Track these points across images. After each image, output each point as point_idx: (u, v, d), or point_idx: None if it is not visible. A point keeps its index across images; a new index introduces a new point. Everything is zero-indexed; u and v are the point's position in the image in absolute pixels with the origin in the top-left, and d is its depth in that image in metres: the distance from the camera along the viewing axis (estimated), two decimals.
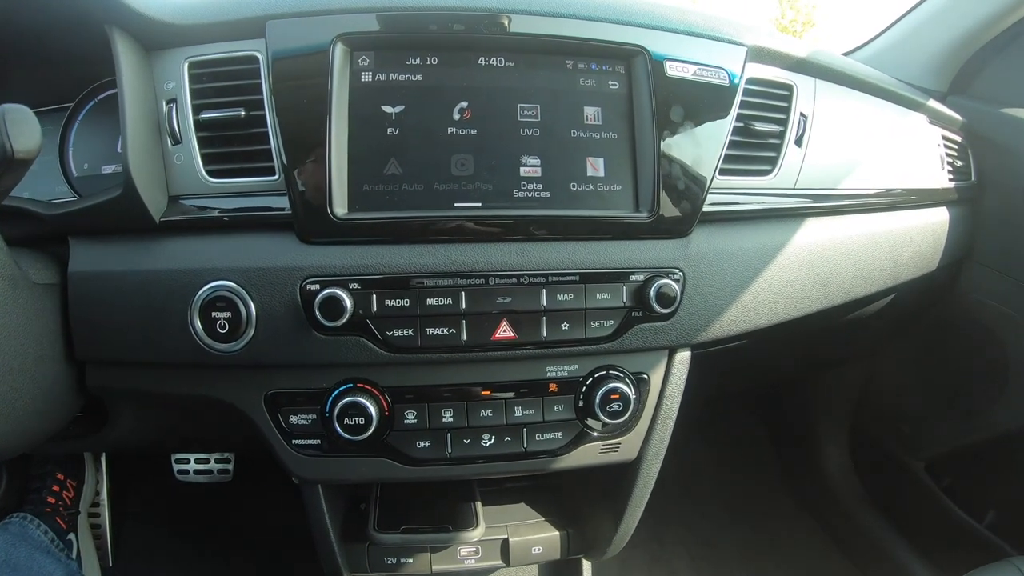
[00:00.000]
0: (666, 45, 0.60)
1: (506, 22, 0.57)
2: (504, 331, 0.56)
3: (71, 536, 0.97)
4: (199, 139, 0.56)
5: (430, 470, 0.59)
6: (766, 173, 0.66)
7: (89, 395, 0.63)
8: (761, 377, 1.07)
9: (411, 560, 0.68)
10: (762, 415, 1.38)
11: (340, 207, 0.55)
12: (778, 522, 1.24)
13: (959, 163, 0.89)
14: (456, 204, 0.56)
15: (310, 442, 0.59)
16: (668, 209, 0.59)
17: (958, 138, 0.90)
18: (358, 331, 0.55)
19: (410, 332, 0.55)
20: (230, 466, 1.04)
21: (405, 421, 0.58)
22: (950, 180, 0.86)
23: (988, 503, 0.97)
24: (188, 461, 1.04)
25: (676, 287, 0.58)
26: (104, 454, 1.03)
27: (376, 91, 0.57)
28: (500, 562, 0.70)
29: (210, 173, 0.56)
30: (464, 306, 0.55)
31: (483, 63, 0.58)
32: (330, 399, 0.57)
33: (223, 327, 0.55)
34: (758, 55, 0.65)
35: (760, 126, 0.65)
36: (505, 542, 0.70)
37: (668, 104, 0.59)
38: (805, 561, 1.16)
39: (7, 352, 0.51)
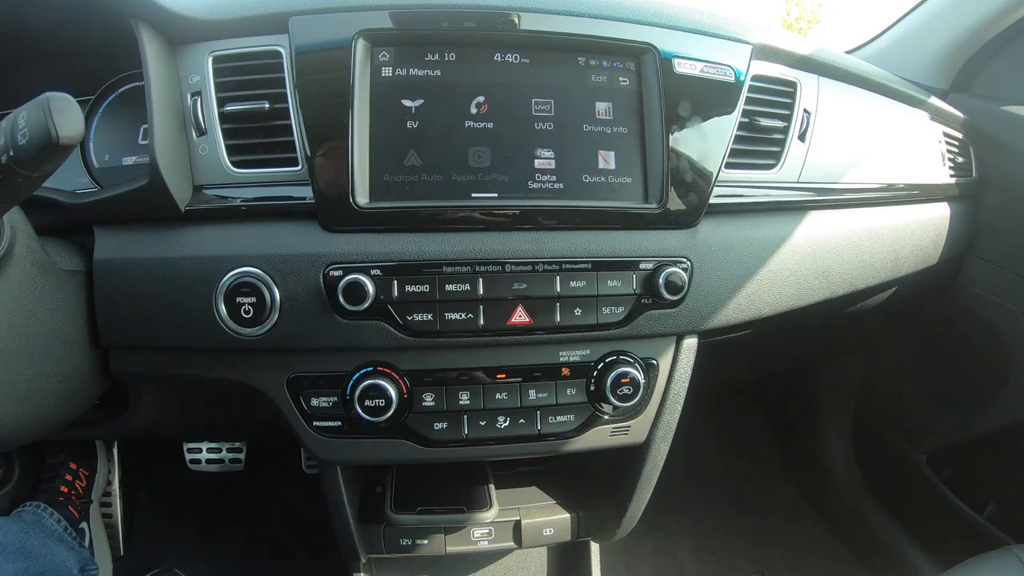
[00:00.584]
0: (675, 43, 0.64)
1: (518, 19, 0.61)
2: (519, 316, 0.60)
3: (83, 525, 1.01)
4: (223, 130, 0.60)
5: (447, 451, 0.63)
6: (770, 167, 0.69)
7: (111, 381, 0.67)
8: (765, 368, 1.11)
9: (426, 541, 0.72)
10: (765, 408, 1.42)
11: (362, 196, 0.58)
12: (781, 513, 1.28)
13: (960, 159, 0.93)
14: (473, 194, 0.60)
15: (331, 424, 0.62)
16: (676, 201, 0.63)
17: (959, 135, 0.94)
18: (379, 316, 0.59)
19: (429, 317, 0.59)
20: (242, 456, 1.08)
21: (423, 403, 0.62)
22: (951, 176, 0.90)
23: (989, 495, 1.01)
24: (200, 451, 1.08)
25: (684, 275, 0.62)
26: (116, 445, 1.06)
27: (396, 85, 0.60)
28: (512, 543, 0.74)
29: (234, 163, 0.60)
30: (481, 292, 0.59)
31: (499, 59, 0.62)
32: (351, 382, 0.61)
33: (247, 312, 0.59)
34: (763, 53, 0.69)
35: (765, 121, 0.68)
36: (517, 524, 0.74)
37: (676, 100, 0.63)
38: (807, 551, 1.20)
39: (35, 336, 0.54)
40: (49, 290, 0.55)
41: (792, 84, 0.71)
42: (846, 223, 0.75)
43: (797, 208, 0.71)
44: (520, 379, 0.63)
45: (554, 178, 0.61)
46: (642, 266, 0.62)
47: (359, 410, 0.59)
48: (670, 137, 0.63)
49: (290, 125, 0.59)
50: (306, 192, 0.59)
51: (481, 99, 0.61)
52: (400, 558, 0.83)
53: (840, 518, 1.23)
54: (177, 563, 0.98)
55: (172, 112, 0.59)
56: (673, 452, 0.71)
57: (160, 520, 1.09)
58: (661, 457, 0.71)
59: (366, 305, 0.57)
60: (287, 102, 0.59)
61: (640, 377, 0.63)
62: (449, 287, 0.59)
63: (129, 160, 0.67)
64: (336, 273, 0.58)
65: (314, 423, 0.62)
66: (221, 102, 0.60)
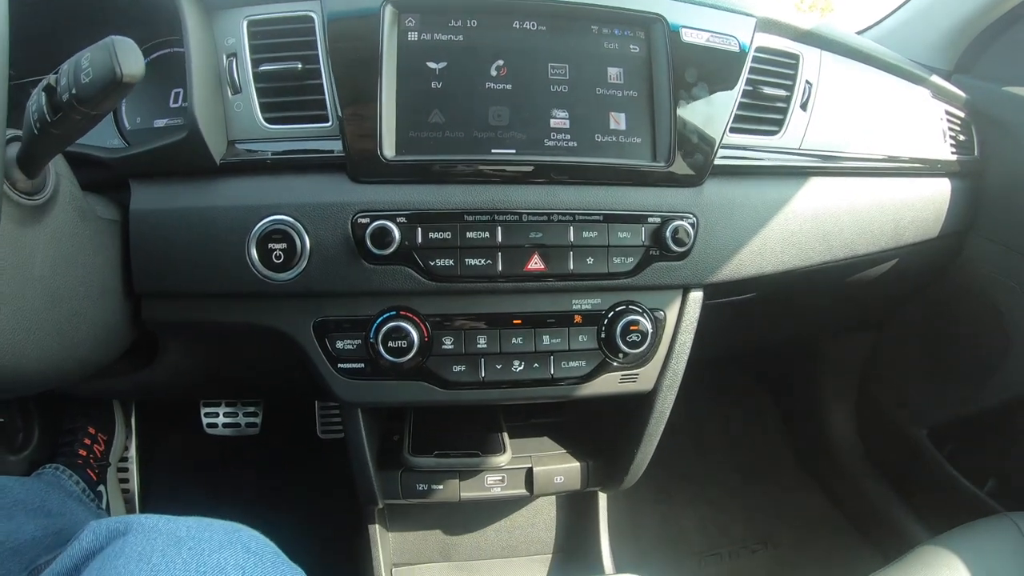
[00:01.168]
0: (682, 14, 0.70)
1: None
2: (535, 263, 0.66)
3: (101, 487, 1.06)
4: (257, 89, 0.66)
5: (464, 393, 0.69)
6: (773, 134, 0.75)
7: (141, 331, 0.72)
8: (771, 337, 1.16)
9: (441, 487, 0.77)
10: (770, 384, 1.47)
11: (389, 150, 0.64)
12: (784, 487, 1.33)
13: (962, 137, 0.98)
14: (493, 150, 0.66)
15: (355, 366, 0.68)
16: (683, 160, 0.69)
17: (961, 114, 0.99)
18: (403, 261, 0.64)
19: (451, 262, 0.65)
20: (257, 420, 1.13)
21: (443, 347, 0.67)
22: (952, 153, 0.95)
23: (989, 470, 1.05)
24: (217, 415, 1.13)
25: (690, 229, 0.68)
26: (133, 410, 1.11)
27: (421, 48, 0.66)
28: (524, 491, 0.79)
29: (267, 120, 0.66)
30: (500, 239, 0.65)
31: (517, 26, 0.68)
32: (375, 324, 0.66)
33: (278, 257, 0.64)
34: (766, 26, 0.75)
35: (768, 90, 0.74)
36: (529, 471, 0.79)
37: (683, 67, 0.69)
38: (810, 525, 1.24)
39: (74, 280, 0.59)
40: (88, 236, 0.60)
41: (795, 56, 0.77)
42: (847, 191, 0.80)
43: (799, 173, 0.77)
44: (535, 325, 0.69)
45: (568, 136, 0.67)
46: (650, 220, 0.68)
47: (382, 351, 0.65)
48: (677, 101, 0.69)
49: (321, 84, 0.65)
50: (335, 146, 0.65)
51: (500, 62, 0.67)
52: (413, 511, 0.88)
53: (842, 492, 1.28)
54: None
55: (209, 72, 0.65)
56: (679, 425, 0.76)
57: (176, 483, 1.14)
58: (667, 406, 0.76)
59: (391, 250, 0.63)
60: (318, 63, 0.65)
61: (648, 326, 0.69)
62: (469, 234, 0.65)
63: (160, 123, 0.72)
64: (363, 220, 0.63)
65: (339, 365, 0.68)
66: (255, 63, 0.66)
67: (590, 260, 0.67)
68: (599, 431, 0.87)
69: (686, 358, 0.74)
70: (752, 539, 1.23)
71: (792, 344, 1.30)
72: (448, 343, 0.67)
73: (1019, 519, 0.83)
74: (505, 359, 0.68)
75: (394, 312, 0.67)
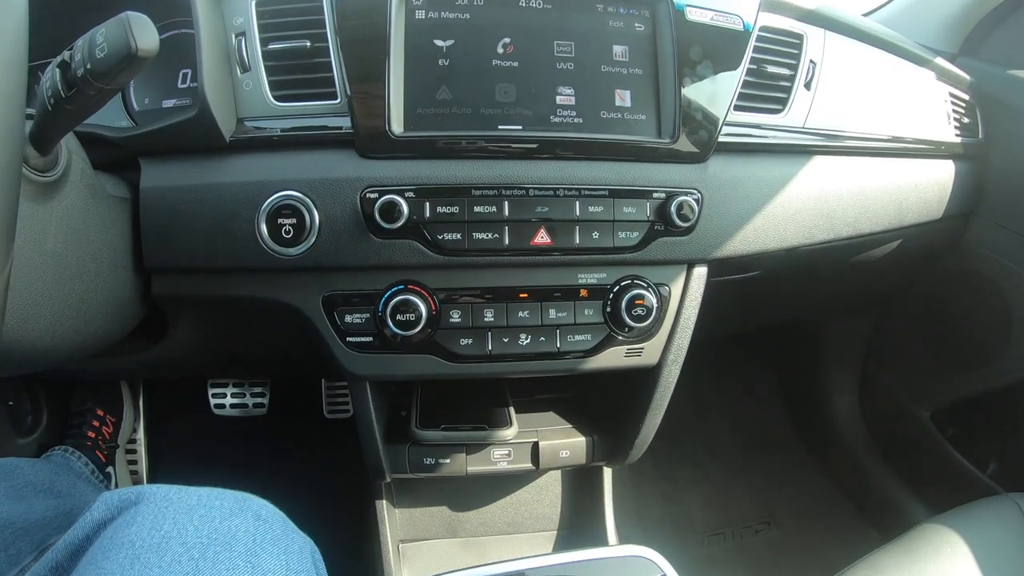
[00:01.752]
0: None
1: None
2: (542, 237, 0.68)
3: (110, 469, 1.09)
4: (266, 67, 0.68)
5: (471, 367, 0.71)
6: (777, 112, 0.77)
7: (151, 307, 0.74)
8: (775, 317, 1.18)
9: (448, 461, 0.79)
10: (773, 365, 1.50)
11: (397, 126, 0.66)
12: (787, 467, 1.35)
13: (966, 120, 1.00)
14: (500, 126, 0.68)
15: (363, 340, 0.70)
16: (687, 137, 0.71)
17: (966, 96, 1.01)
18: (411, 235, 0.67)
19: (458, 236, 0.67)
20: (264, 400, 1.16)
21: (450, 320, 0.70)
22: (956, 135, 0.97)
23: (991, 453, 1.07)
24: (225, 395, 1.16)
25: (694, 205, 0.70)
26: (141, 392, 1.14)
27: (429, 27, 0.68)
28: (530, 465, 0.81)
29: (276, 98, 0.68)
30: (507, 213, 0.67)
31: (524, 4, 0.70)
32: (384, 298, 0.68)
33: (288, 232, 0.66)
34: (771, 5, 0.78)
35: (772, 69, 0.76)
36: (535, 445, 0.82)
37: (688, 45, 0.71)
38: (812, 504, 1.27)
39: (86, 255, 0.61)
40: (100, 213, 0.62)
41: (798, 36, 0.79)
42: (850, 170, 0.82)
43: (803, 152, 0.79)
44: (541, 299, 0.71)
45: (574, 113, 0.69)
46: (655, 195, 0.70)
47: (391, 324, 0.67)
48: (682, 79, 0.71)
49: (330, 62, 0.67)
50: (344, 122, 0.67)
51: (507, 40, 0.69)
52: (419, 488, 0.90)
53: (845, 473, 1.31)
54: None
55: (218, 51, 0.67)
56: (683, 405, 0.78)
57: (183, 464, 1.17)
58: (672, 380, 0.78)
59: (400, 224, 0.65)
60: (327, 41, 0.67)
61: (653, 300, 0.71)
62: (477, 209, 0.67)
63: (169, 103, 0.74)
64: (372, 195, 0.65)
65: (347, 339, 0.70)
66: (264, 42, 0.68)
67: (596, 234, 0.69)
68: (604, 406, 0.89)
69: (690, 332, 0.77)
70: (755, 519, 1.25)
71: (796, 325, 1.32)
72: (456, 316, 0.70)
73: (1020, 499, 0.85)
74: (512, 332, 0.70)
75: (402, 286, 0.69)
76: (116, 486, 1.07)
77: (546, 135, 0.68)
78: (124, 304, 0.70)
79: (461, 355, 0.70)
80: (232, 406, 1.16)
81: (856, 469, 1.29)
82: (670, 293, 0.74)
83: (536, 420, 0.85)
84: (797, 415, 1.46)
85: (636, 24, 0.72)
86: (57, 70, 0.48)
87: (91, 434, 1.10)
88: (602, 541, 0.90)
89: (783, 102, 0.78)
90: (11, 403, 1.11)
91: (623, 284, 0.72)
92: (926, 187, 0.92)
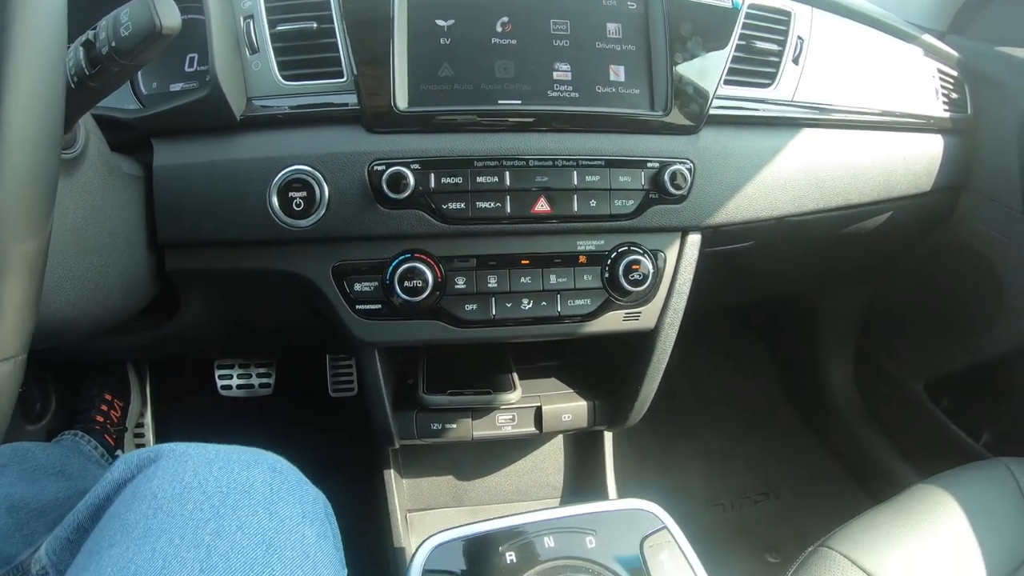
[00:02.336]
0: None
1: None
2: (541, 205, 0.73)
3: (119, 452, 1.13)
4: (275, 48, 0.72)
5: (476, 331, 0.76)
6: (766, 86, 0.82)
7: (164, 283, 0.79)
8: (770, 290, 1.23)
9: (454, 425, 0.84)
10: (769, 338, 1.56)
11: (402, 102, 0.71)
12: (784, 439, 1.41)
13: (955, 95, 1.05)
14: (500, 101, 0.73)
15: (372, 307, 0.75)
16: (680, 109, 0.76)
17: (954, 72, 1.06)
18: (417, 205, 0.72)
19: (462, 205, 0.72)
20: (270, 380, 1.20)
21: (455, 286, 0.75)
22: (945, 110, 1.01)
23: (985, 423, 1.12)
24: (231, 377, 1.20)
25: (687, 173, 0.75)
26: (148, 376, 1.18)
27: (430, 7, 0.73)
28: (533, 429, 0.86)
29: (285, 77, 0.72)
30: (508, 183, 0.72)
31: None
32: (391, 266, 0.73)
33: (298, 205, 0.71)
34: None
35: (760, 45, 0.81)
36: (538, 410, 0.87)
37: (678, 22, 0.76)
38: (809, 475, 1.32)
39: (103, 231, 0.64)
40: (116, 190, 0.66)
41: (786, 13, 0.84)
42: (840, 142, 0.87)
43: (792, 124, 0.84)
44: (542, 266, 0.76)
45: (571, 87, 0.74)
46: (649, 165, 0.75)
47: (398, 291, 0.72)
48: (673, 55, 0.76)
49: (336, 43, 0.72)
50: (351, 99, 0.72)
51: (505, 19, 0.74)
52: (426, 458, 0.95)
53: (841, 444, 1.36)
54: None
55: (228, 33, 0.72)
56: (681, 379, 0.83)
57: None
58: (669, 344, 0.83)
59: (406, 194, 0.69)
60: (332, 23, 0.72)
61: (649, 266, 0.77)
62: (479, 179, 0.72)
63: (176, 87, 0.78)
64: (379, 168, 0.70)
65: (357, 307, 0.75)
66: (272, 24, 0.73)
67: (593, 202, 0.74)
68: (604, 372, 0.94)
69: (686, 297, 0.82)
70: (754, 490, 1.30)
71: (791, 298, 1.37)
72: (460, 283, 0.75)
73: (1012, 463, 0.90)
74: (514, 298, 0.75)
75: (409, 255, 0.74)
76: None
77: (544, 108, 0.73)
78: (139, 279, 0.75)
79: (466, 320, 0.75)
80: (238, 387, 1.20)
81: (852, 440, 1.34)
82: (666, 259, 0.79)
83: (539, 386, 0.90)
84: (794, 388, 1.51)
85: (629, 2, 0.77)
86: (81, 48, 0.51)
87: (99, 418, 1.14)
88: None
89: (772, 77, 0.82)
90: (20, 390, 1.16)
91: (620, 250, 0.77)
92: (915, 160, 0.97)
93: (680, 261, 0.80)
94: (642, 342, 0.84)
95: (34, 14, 0.41)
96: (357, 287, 0.74)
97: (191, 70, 0.78)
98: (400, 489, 0.96)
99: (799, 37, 0.84)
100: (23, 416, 1.16)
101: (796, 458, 1.40)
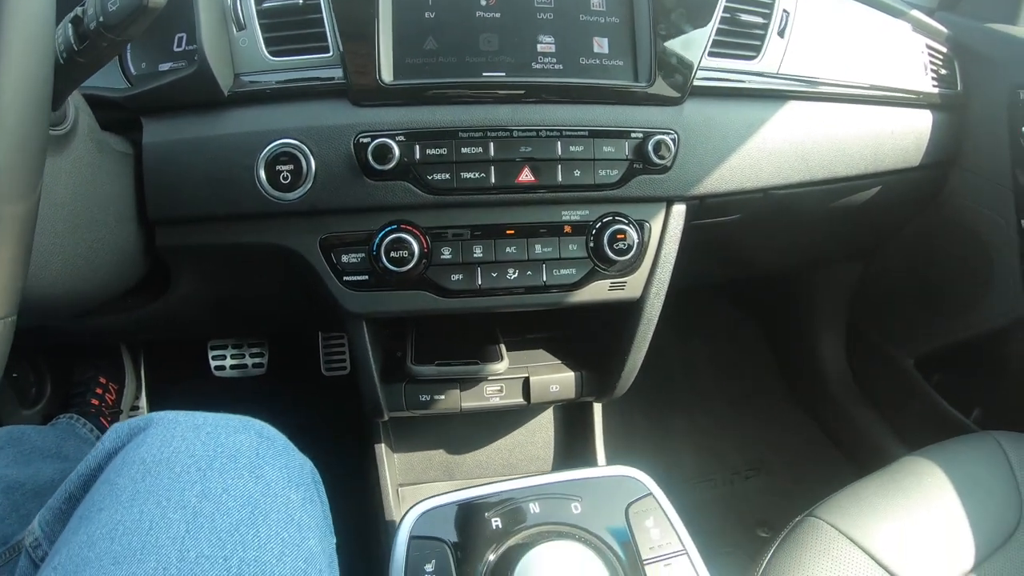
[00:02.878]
0: None
1: None
2: (526, 176, 0.74)
3: None
4: (261, 25, 0.74)
5: (462, 301, 0.78)
6: (751, 58, 0.84)
7: (155, 260, 0.80)
8: (759, 266, 1.24)
9: (443, 396, 0.85)
10: (760, 313, 1.58)
11: (387, 75, 0.73)
12: (775, 415, 1.43)
13: (944, 71, 1.06)
14: (484, 73, 0.74)
15: (359, 278, 0.76)
16: (664, 80, 0.77)
17: (943, 49, 1.07)
18: (403, 176, 0.73)
19: (447, 176, 0.73)
20: (263, 360, 1.22)
21: (441, 257, 0.76)
22: (934, 86, 1.02)
23: (975, 399, 1.13)
24: (224, 357, 1.22)
25: (671, 144, 0.76)
26: (143, 360, 1.20)
27: None
28: (521, 400, 0.88)
29: (271, 53, 0.74)
30: (492, 154, 0.74)
31: None
32: (377, 237, 0.74)
33: (286, 178, 0.73)
34: None
35: (745, 17, 0.83)
36: (526, 381, 0.88)
37: None
38: (799, 451, 1.34)
39: (94, 208, 0.66)
40: (105, 167, 0.68)
41: None
42: (826, 115, 0.89)
43: (777, 97, 0.85)
44: (527, 236, 0.77)
45: (555, 60, 0.76)
46: (633, 135, 0.76)
47: (385, 261, 0.74)
48: (657, 27, 0.77)
49: (321, 18, 0.73)
50: (337, 73, 0.73)
51: None
52: (416, 433, 0.96)
53: (832, 420, 1.38)
54: None
55: (215, 11, 0.73)
56: (672, 356, 0.84)
57: None
58: (655, 314, 0.84)
59: (392, 165, 0.71)
60: None
61: (634, 236, 0.78)
62: (464, 150, 0.73)
63: (165, 66, 0.79)
64: (365, 140, 0.72)
65: (344, 278, 0.76)
66: (258, 0, 0.74)
67: (577, 172, 0.75)
68: (591, 343, 0.95)
69: (671, 268, 0.83)
70: (744, 466, 1.32)
71: (782, 275, 1.39)
72: (446, 253, 0.76)
73: (1001, 437, 0.91)
74: (500, 267, 0.77)
75: (395, 226, 0.75)
76: None
77: (528, 80, 0.74)
78: (129, 255, 0.76)
79: (452, 290, 0.77)
80: (232, 367, 1.22)
81: (843, 416, 1.36)
82: (651, 229, 0.80)
83: (526, 358, 0.92)
84: (785, 364, 1.52)
85: None
86: (69, 25, 0.52)
87: (95, 402, 1.16)
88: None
89: (757, 49, 0.84)
90: (15, 375, 1.18)
91: (605, 220, 0.78)
92: (903, 134, 0.98)
93: (665, 231, 0.81)
94: (628, 312, 0.85)
95: None
96: (344, 259, 0.76)
97: (179, 49, 0.79)
98: (391, 463, 0.98)
99: (784, 10, 0.85)
100: (18, 401, 1.18)
101: (787, 434, 1.41)
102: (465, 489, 0.72)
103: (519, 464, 1.02)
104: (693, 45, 0.78)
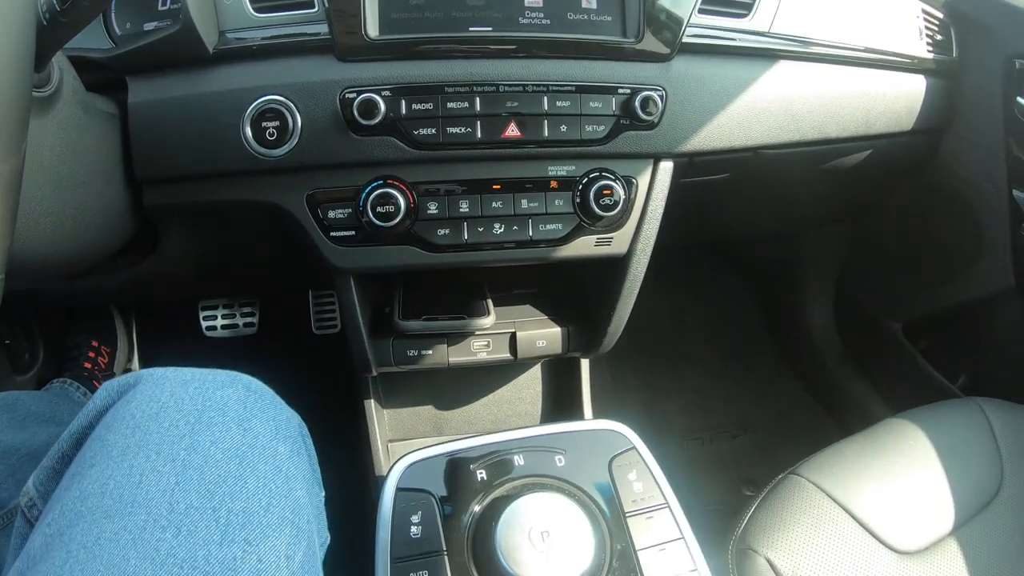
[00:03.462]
0: None
1: None
2: (512, 130, 0.75)
3: None
4: None
5: (449, 256, 0.78)
6: (742, 16, 0.83)
7: (143, 220, 0.81)
8: (749, 226, 1.25)
9: (430, 352, 0.87)
10: (749, 274, 1.60)
11: (373, 30, 0.73)
12: (763, 376, 1.46)
13: (939, 37, 1.05)
14: (471, 28, 0.74)
15: (346, 234, 0.77)
16: (653, 36, 0.77)
17: (939, 15, 1.06)
18: (389, 131, 0.73)
19: (433, 131, 0.73)
20: (254, 319, 1.23)
21: (428, 212, 0.77)
22: (929, 51, 1.02)
23: (961, 365, 1.15)
24: (215, 318, 1.23)
25: (659, 100, 0.76)
26: (134, 323, 1.21)
27: None
28: (508, 355, 0.89)
29: (256, 9, 0.74)
30: (478, 108, 0.74)
31: None
32: (364, 193, 0.75)
33: (271, 135, 0.73)
34: None
35: None
36: (513, 336, 0.89)
37: None
38: (786, 412, 1.37)
39: (80, 169, 0.66)
40: (91, 128, 0.67)
41: None
42: (817, 76, 0.88)
43: (768, 56, 0.85)
44: (514, 191, 0.78)
45: (542, 15, 0.75)
46: (621, 91, 0.76)
47: (371, 216, 0.74)
48: None
49: None
50: (322, 28, 0.73)
51: None
52: (405, 389, 0.97)
53: (819, 382, 1.40)
54: None
55: None
56: (662, 315, 0.85)
57: None
58: (641, 270, 0.85)
59: (377, 120, 0.71)
60: None
61: (621, 192, 0.78)
62: (450, 105, 0.73)
63: (150, 26, 0.78)
64: (351, 95, 0.72)
65: (331, 234, 0.77)
66: None
67: (563, 128, 0.75)
68: (578, 299, 0.97)
69: (658, 224, 0.84)
70: (732, 425, 1.35)
71: (771, 236, 1.40)
72: (433, 208, 0.77)
73: (984, 403, 0.93)
74: (486, 222, 0.77)
75: (381, 181, 0.76)
76: None
77: (515, 35, 0.74)
78: (118, 216, 0.77)
79: (439, 245, 0.77)
80: (223, 327, 1.24)
81: (830, 379, 1.38)
82: (637, 185, 0.81)
83: (514, 313, 0.93)
84: (773, 326, 1.55)
85: None
86: None
87: (88, 365, 1.17)
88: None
89: (748, 7, 0.83)
90: (7, 341, 1.19)
91: (591, 176, 0.79)
92: (895, 98, 0.98)
93: (652, 188, 0.81)
94: (614, 268, 0.86)
95: None
96: (331, 214, 0.77)
97: (164, 8, 0.78)
98: (381, 419, 0.99)
99: None
100: (11, 367, 1.19)
101: (775, 395, 1.44)
102: (451, 442, 0.73)
103: (507, 420, 1.04)
104: (683, 1, 0.78)
